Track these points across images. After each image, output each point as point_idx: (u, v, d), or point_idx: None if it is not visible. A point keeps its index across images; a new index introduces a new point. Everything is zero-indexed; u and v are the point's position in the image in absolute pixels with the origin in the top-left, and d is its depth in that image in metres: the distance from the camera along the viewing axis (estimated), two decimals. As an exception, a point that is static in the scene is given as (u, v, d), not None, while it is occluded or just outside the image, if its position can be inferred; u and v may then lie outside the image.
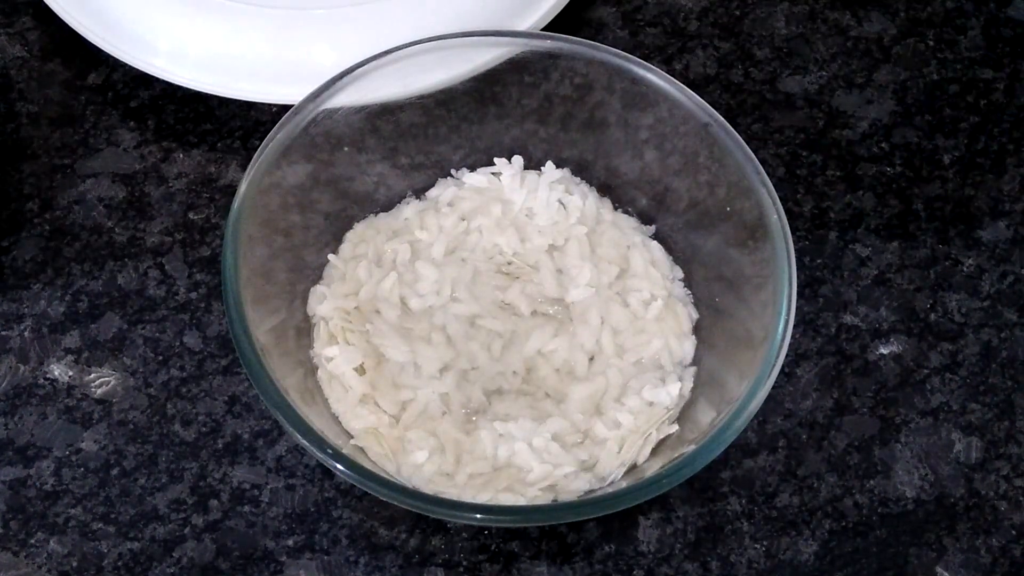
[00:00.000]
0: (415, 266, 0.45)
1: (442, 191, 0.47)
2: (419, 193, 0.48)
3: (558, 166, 0.47)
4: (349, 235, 0.46)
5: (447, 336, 0.44)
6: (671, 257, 0.46)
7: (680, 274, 0.46)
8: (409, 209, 0.47)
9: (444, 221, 0.46)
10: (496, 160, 0.47)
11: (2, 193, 0.49)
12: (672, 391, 0.43)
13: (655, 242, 0.46)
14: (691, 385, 0.43)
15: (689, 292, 0.45)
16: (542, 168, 0.47)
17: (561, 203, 0.46)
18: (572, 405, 0.43)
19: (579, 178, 0.47)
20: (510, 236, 0.46)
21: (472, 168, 0.48)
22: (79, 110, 0.52)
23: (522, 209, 0.46)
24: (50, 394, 0.45)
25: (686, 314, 0.45)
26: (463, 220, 0.46)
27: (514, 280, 0.45)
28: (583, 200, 0.46)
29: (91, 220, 0.49)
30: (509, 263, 0.46)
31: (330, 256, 0.45)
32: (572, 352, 0.44)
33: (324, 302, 0.44)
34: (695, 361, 0.44)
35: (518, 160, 0.47)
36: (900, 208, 0.51)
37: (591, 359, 0.44)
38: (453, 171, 0.48)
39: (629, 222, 0.47)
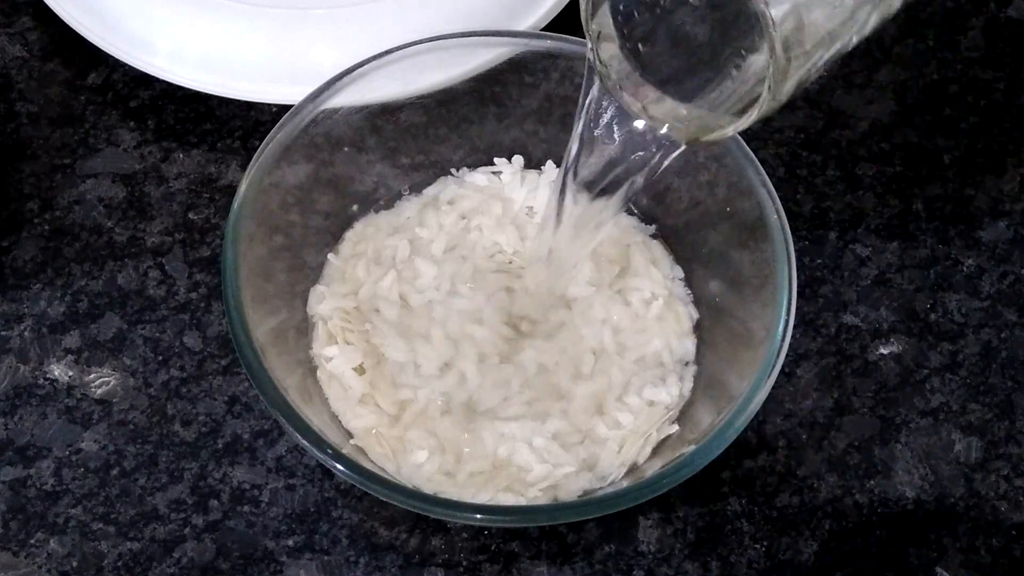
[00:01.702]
0: (414, 263, 0.45)
1: (442, 189, 0.47)
2: (419, 192, 0.48)
3: (558, 166, 0.47)
4: (349, 234, 0.46)
5: (446, 335, 0.44)
6: (671, 256, 0.46)
7: (680, 273, 0.46)
8: (410, 206, 0.47)
9: (444, 219, 0.46)
10: (496, 160, 0.47)
11: (2, 193, 0.49)
12: (673, 391, 0.43)
13: (655, 241, 0.46)
14: (691, 385, 0.43)
15: (689, 292, 0.46)
16: (542, 168, 0.47)
17: None
18: (573, 405, 0.43)
19: None
20: (510, 234, 0.46)
21: (472, 168, 0.48)
22: (79, 110, 0.52)
23: (522, 208, 0.46)
24: (50, 394, 0.45)
25: (687, 313, 0.45)
26: (463, 218, 0.46)
27: (515, 278, 0.45)
28: None
29: (91, 220, 0.49)
30: (510, 261, 0.46)
31: (329, 256, 0.45)
32: (573, 351, 0.44)
33: (324, 302, 0.44)
34: (696, 361, 0.44)
35: (518, 160, 0.47)
36: (900, 208, 0.51)
37: (592, 358, 0.44)
38: (453, 170, 0.48)
39: (630, 221, 0.47)
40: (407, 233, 0.46)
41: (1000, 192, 0.51)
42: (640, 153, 0.38)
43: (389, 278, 0.44)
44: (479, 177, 0.47)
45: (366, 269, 0.45)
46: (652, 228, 0.47)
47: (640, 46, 0.36)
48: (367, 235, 0.46)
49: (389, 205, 0.47)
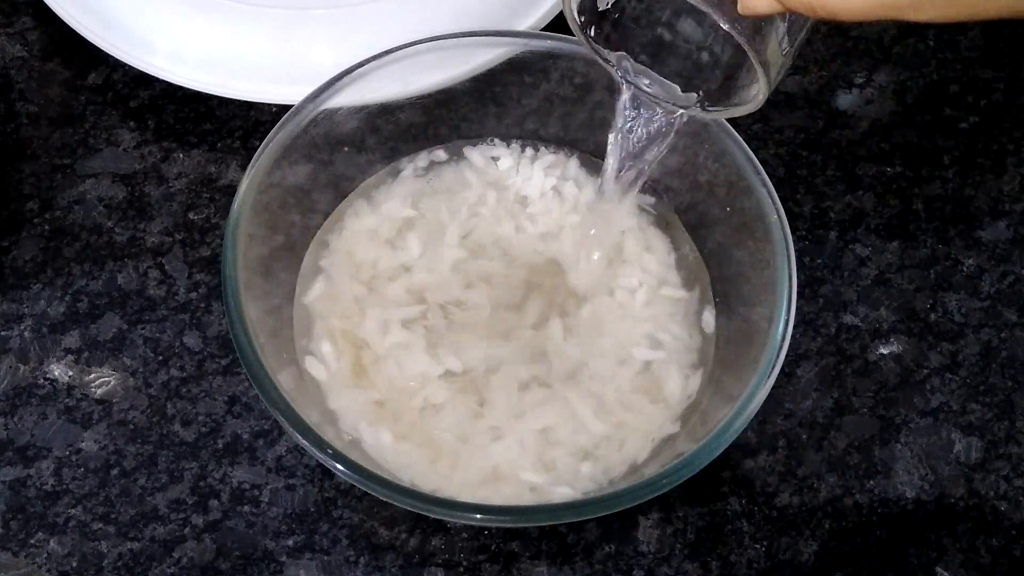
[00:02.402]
0: (406, 237, 0.45)
1: (440, 175, 0.47)
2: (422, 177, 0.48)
3: (553, 153, 0.47)
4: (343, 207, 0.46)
5: (445, 333, 0.44)
6: (669, 241, 0.46)
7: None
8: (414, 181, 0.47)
9: (453, 202, 0.46)
10: (496, 140, 0.47)
11: (2, 193, 0.49)
12: (676, 387, 0.43)
13: (653, 228, 0.46)
14: (696, 382, 0.43)
15: (683, 277, 0.45)
16: (537, 151, 0.47)
17: (556, 191, 0.47)
18: (573, 403, 0.43)
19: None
20: (507, 227, 0.46)
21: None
22: (79, 110, 0.52)
23: (517, 198, 0.46)
24: (50, 394, 0.45)
25: (680, 295, 0.45)
26: (463, 205, 0.46)
27: (512, 272, 0.45)
28: (579, 188, 0.46)
29: (91, 220, 0.49)
30: (505, 250, 0.46)
31: (329, 236, 0.45)
32: (574, 344, 0.44)
33: (322, 300, 0.44)
34: (696, 360, 0.44)
35: (515, 145, 0.47)
36: (900, 208, 0.51)
37: (594, 351, 0.44)
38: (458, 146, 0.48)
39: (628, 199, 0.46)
40: (415, 197, 0.46)
41: (1000, 192, 0.51)
42: (658, 127, 0.39)
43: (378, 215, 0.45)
44: (476, 157, 0.47)
45: (359, 223, 0.45)
46: (652, 199, 0.46)
47: (629, 23, 0.37)
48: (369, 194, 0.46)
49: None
